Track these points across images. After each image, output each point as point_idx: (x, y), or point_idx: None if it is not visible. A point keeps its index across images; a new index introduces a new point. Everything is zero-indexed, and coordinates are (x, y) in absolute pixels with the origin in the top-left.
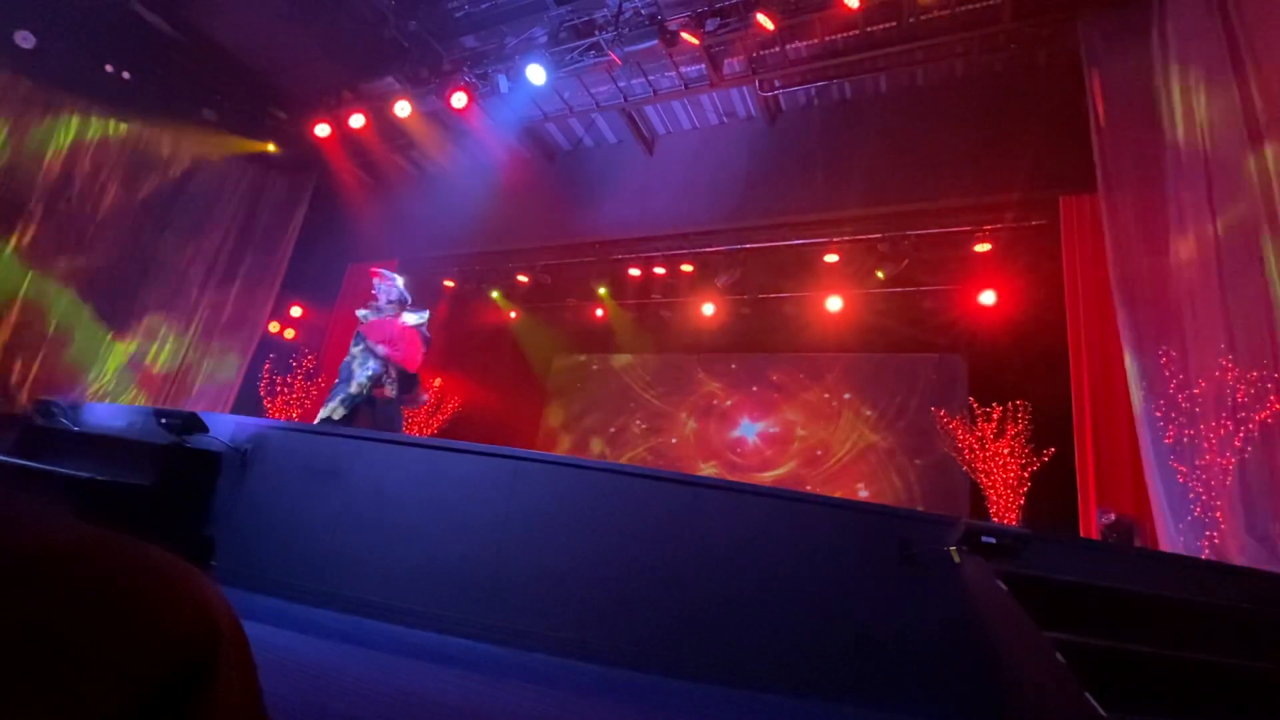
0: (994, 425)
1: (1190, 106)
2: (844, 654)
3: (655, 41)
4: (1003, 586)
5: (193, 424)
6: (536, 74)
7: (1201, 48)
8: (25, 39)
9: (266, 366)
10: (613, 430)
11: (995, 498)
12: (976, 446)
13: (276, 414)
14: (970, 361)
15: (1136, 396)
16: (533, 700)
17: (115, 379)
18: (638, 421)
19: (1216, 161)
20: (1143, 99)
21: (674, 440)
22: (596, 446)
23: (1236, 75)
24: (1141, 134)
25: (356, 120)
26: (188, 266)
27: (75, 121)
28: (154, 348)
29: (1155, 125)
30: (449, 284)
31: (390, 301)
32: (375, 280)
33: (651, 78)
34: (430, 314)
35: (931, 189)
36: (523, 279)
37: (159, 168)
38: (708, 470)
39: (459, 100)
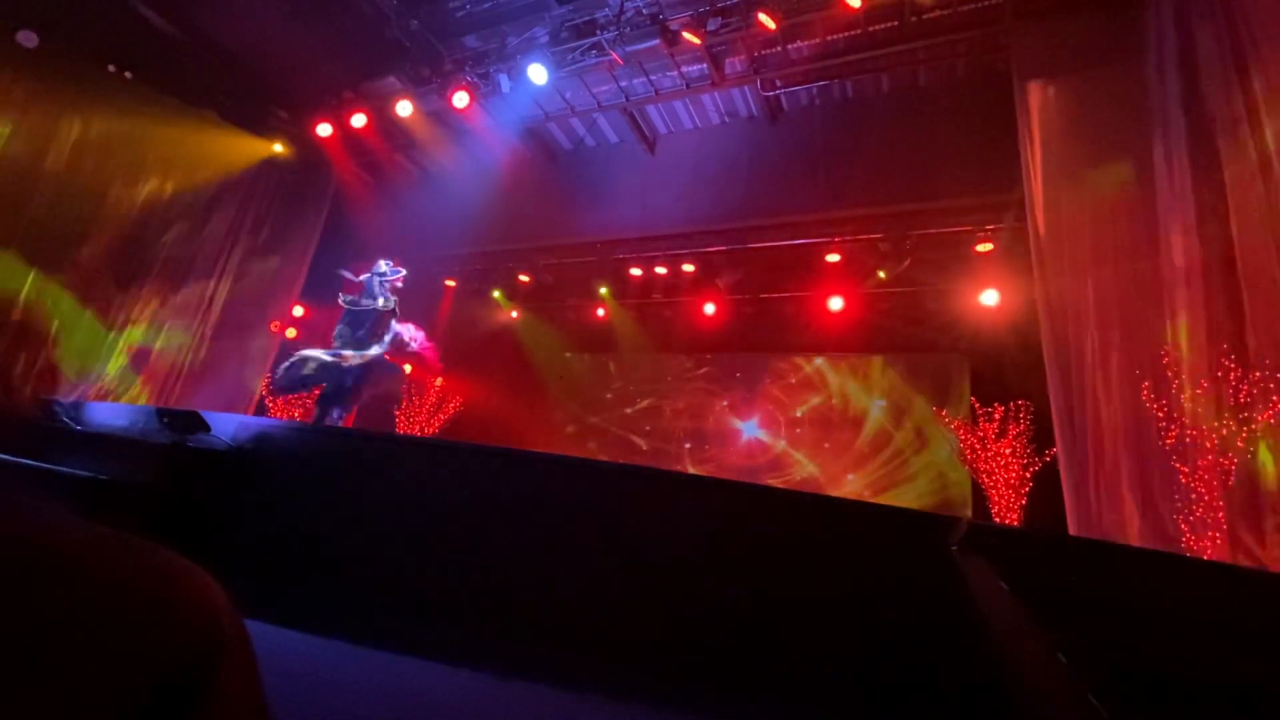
0: (996, 425)
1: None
2: (843, 656)
3: (657, 41)
4: (1004, 586)
5: (194, 423)
6: (538, 73)
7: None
8: (27, 38)
9: (268, 366)
10: (613, 430)
11: (997, 497)
12: (978, 446)
13: (278, 413)
14: (972, 361)
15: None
16: (548, 704)
17: (118, 378)
18: (639, 421)
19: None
20: (1091, 109)
21: (674, 440)
22: (597, 446)
23: (1240, 77)
24: (1079, 145)
25: (358, 120)
26: (190, 267)
27: (78, 121)
28: (157, 348)
29: (1092, 136)
30: (450, 283)
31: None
32: (394, 268)
33: (653, 77)
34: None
35: (933, 189)
36: (524, 278)
37: (161, 168)
38: (706, 470)
39: (460, 100)
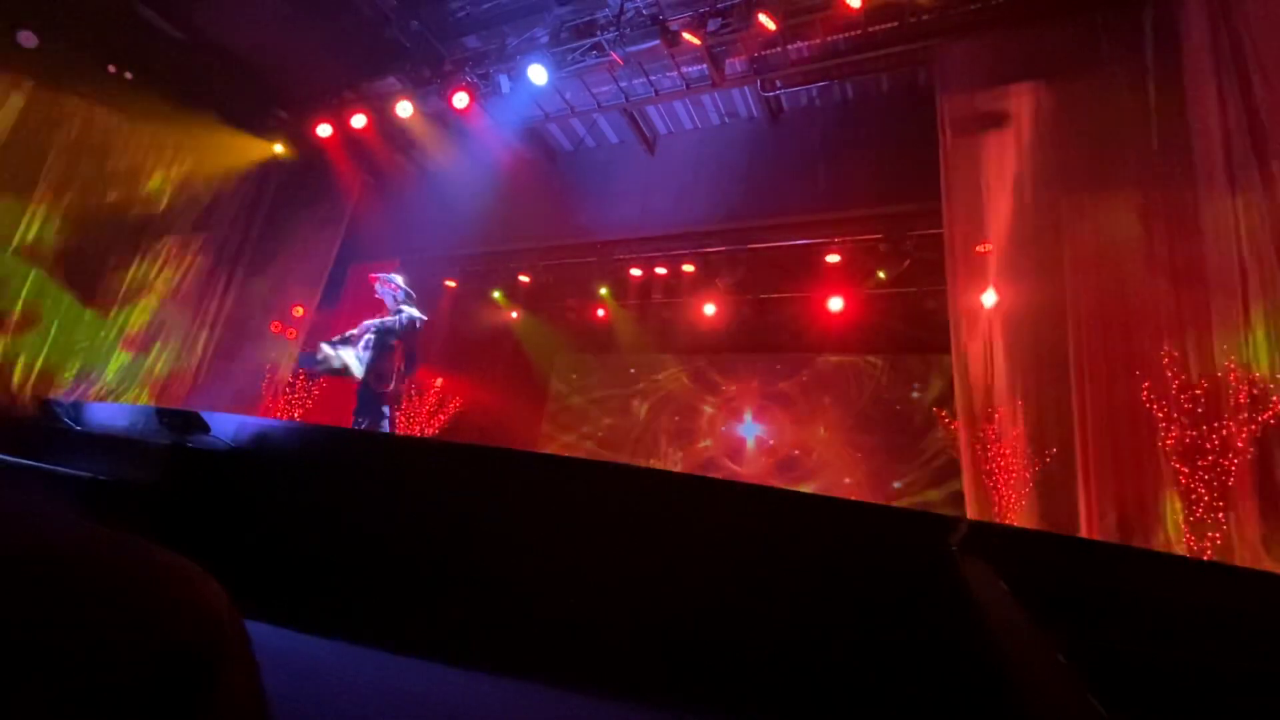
0: (996, 425)
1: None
2: (842, 657)
3: (657, 41)
4: (1004, 586)
5: (194, 423)
6: (538, 74)
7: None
8: (27, 39)
9: (269, 367)
10: (612, 431)
11: (997, 498)
12: (979, 446)
13: (279, 414)
14: None
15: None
16: (548, 704)
17: (118, 378)
18: (638, 421)
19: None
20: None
21: (673, 440)
22: (596, 446)
23: (1240, 85)
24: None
25: (358, 120)
26: (192, 267)
27: (78, 122)
28: (157, 348)
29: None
30: (450, 284)
31: (400, 303)
32: (377, 285)
33: (653, 77)
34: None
35: (933, 189)
36: (524, 279)
37: (162, 168)
38: (706, 471)
39: (460, 100)
